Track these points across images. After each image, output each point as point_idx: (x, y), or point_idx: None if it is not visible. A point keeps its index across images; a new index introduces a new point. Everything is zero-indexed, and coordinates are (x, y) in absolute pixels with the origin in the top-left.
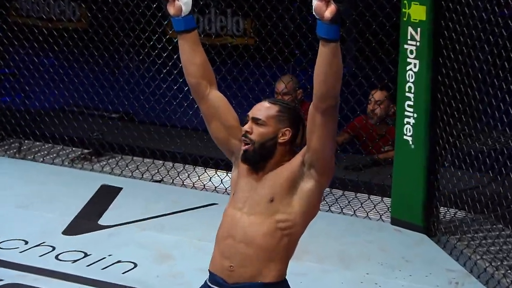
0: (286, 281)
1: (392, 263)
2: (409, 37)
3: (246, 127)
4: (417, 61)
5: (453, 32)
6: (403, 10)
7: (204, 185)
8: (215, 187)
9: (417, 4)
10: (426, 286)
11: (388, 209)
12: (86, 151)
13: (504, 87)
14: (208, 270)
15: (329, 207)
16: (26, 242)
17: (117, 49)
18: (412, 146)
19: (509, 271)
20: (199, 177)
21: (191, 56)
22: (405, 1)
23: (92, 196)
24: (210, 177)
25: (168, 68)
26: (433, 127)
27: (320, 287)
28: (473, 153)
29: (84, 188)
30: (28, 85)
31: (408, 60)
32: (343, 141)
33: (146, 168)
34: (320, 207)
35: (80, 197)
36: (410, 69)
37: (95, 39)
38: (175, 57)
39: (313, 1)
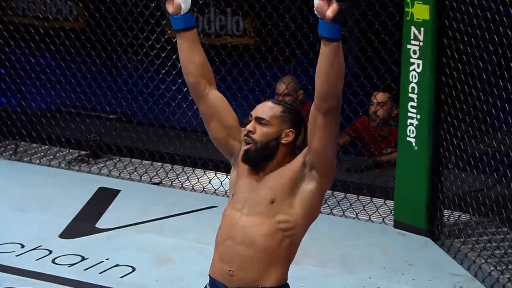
0: (287, 285)
1: (395, 267)
2: (412, 37)
3: (249, 126)
4: (420, 62)
5: (457, 32)
6: (406, 9)
7: (203, 188)
8: (215, 190)
9: (420, 3)
10: None
11: (391, 211)
12: (83, 152)
13: (509, 87)
14: (208, 274)
15: (331, 210)
16: (22, 246)
17: (115, 49)
18: (416, 148)
19: None
20: (198, 179)
21: (190, 55)
22: (408, 0)
23: (90, 198)
24: (210, 179)
25: (167, 68)
26: (437, 129)
27: None
28: (477, 155)
29: (81, 190)
30: (25, 86)
31: (411, 60)
32: (344, 143)
33: (144, 170)
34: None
35: (78, 199)
36: (413, 70)
37: (92, 38)
38: (174, 57)
39: (314, 0)
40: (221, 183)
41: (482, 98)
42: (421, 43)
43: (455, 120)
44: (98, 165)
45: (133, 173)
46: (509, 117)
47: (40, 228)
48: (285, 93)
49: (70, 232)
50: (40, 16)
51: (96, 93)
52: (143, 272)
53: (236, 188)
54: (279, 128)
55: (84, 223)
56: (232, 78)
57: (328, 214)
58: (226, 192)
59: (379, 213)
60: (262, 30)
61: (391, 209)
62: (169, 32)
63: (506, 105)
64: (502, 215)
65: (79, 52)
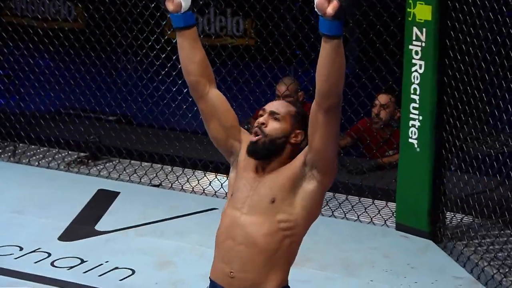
0: None
1: (397, 270)
2: (414, 38)
3: (262, 119)
4: (422, 62)
5: (460, 33)
6: (408, 9)
7: (203, 190)
8: (215, 192)
9: (422, 4)
10: None
11: (392, 214)
12: (82, 154)
13: None
14: (209, 277)
15: (332, 212)
16: (21, 248)
17: (115, 50)
18: (418, 149)
19: None
20: (198, 181)
21: (191, 53)
22: (410, 1)
23: (89, 201)
24: (210, 181)
25: (166, 69)
26: (439, 130)
27: None
28: (480, 156)
29: (80, 192)
30: (23, 87)
31: (413, 61)
32: (346, 145)
33: (144, 172)
34: (323, 212)
35: (77, 202)
36: (415, 71)
37: (92, 39)
38: (174, 58)
39: None
40: (221, 185)
41: (485, 99)
42: (423, 44)
43: (457, 122)
44: (98, 167)
45: (132, 175)
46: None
47: (39, 231)
48: (285, 95)
49: (69, 234)
50: (39, 16)
51: (95, 94)
52: (143, 275)
53: (235, 188)
54: (291, 127)
55: (83, 226)
56: (232, 79)
57: (329, 217)
58: (226, 194)
59: (381, 215)
60: (262, 30)
61: (393, 211)
62: (169, 32)
63: (509, 106)
64: (505, 217)
65: (78, 53)
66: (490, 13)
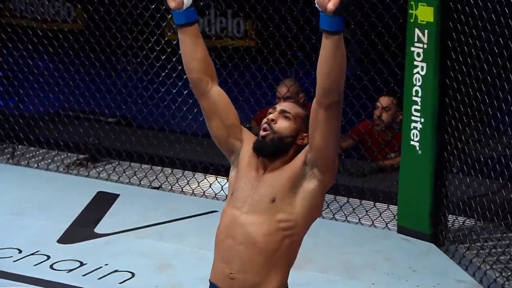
0: None
1: (398, 273)
2: (416, 39)
3: (272, 116)
4: (424, 64)
5: (462, 34)
6: (410, 11)
7: (204, 192)
8: (215, 194)
9: (424, 5)
10: None
11: (394, 217)
12: (82, 156)
13: None
14: (209, 280)
15: (333, 215)
16: (20, 251)
17: (114, 51)
18: (419, 152)
19: None
20: (198, 183)
21: (192, 50)
22: (412, 2)
23: (88, 203)
24: (210, 184)
25: (167, 71)
26: (441, 132)
27: None
28: (482, 159)
29: (79, 194)
30: (22, 89)
31: (415, 63)
32: (347, 147)
33: (144, 174)
34: (324, 215)
35: (76, 204)
36: (417, 72)
37: (91, 40)
38: (174, 59)
39: None
40: (221, 187)
41: (487, 101)
42: (425, 46)
43: (459, 124)
44: (97, 169)
45: (132, 177)
46: None
47: (38, 233)
48: (286, 96)
49: (68, 237)
50: (38, 17)
51: (95, 96)
52: (143, 277)
53: (235, 187)
54: (299, 128)
55: (82, 228)
56: (233, 81)
57: (330, 219)
58: (227, 196)
59: (382, 218)
60: (263, 32)
61: (395, 214)
62: (169, 34)
63: (511, 108)
64: (508, 220)
65: (78, 54)
66: (492, 15)
